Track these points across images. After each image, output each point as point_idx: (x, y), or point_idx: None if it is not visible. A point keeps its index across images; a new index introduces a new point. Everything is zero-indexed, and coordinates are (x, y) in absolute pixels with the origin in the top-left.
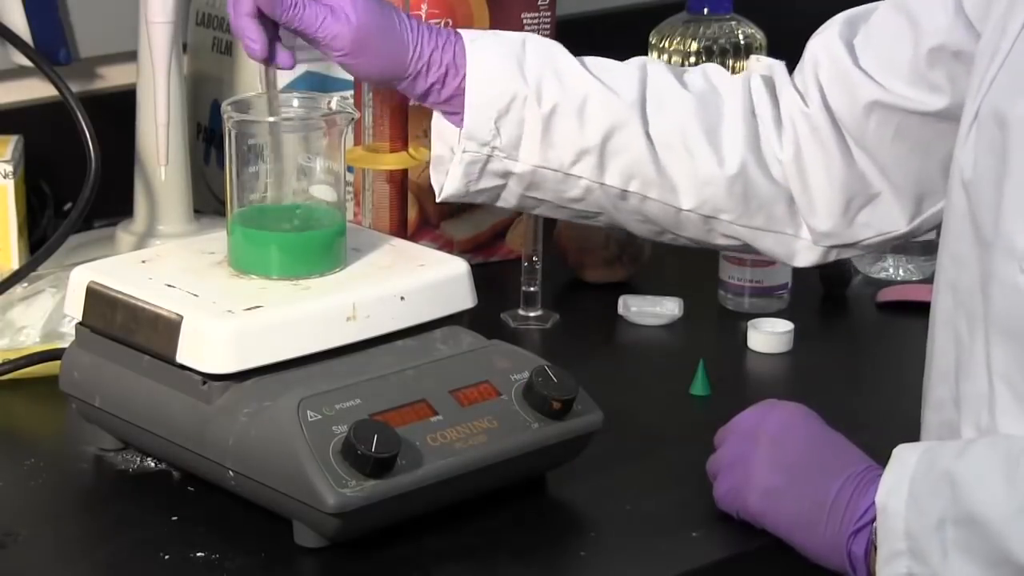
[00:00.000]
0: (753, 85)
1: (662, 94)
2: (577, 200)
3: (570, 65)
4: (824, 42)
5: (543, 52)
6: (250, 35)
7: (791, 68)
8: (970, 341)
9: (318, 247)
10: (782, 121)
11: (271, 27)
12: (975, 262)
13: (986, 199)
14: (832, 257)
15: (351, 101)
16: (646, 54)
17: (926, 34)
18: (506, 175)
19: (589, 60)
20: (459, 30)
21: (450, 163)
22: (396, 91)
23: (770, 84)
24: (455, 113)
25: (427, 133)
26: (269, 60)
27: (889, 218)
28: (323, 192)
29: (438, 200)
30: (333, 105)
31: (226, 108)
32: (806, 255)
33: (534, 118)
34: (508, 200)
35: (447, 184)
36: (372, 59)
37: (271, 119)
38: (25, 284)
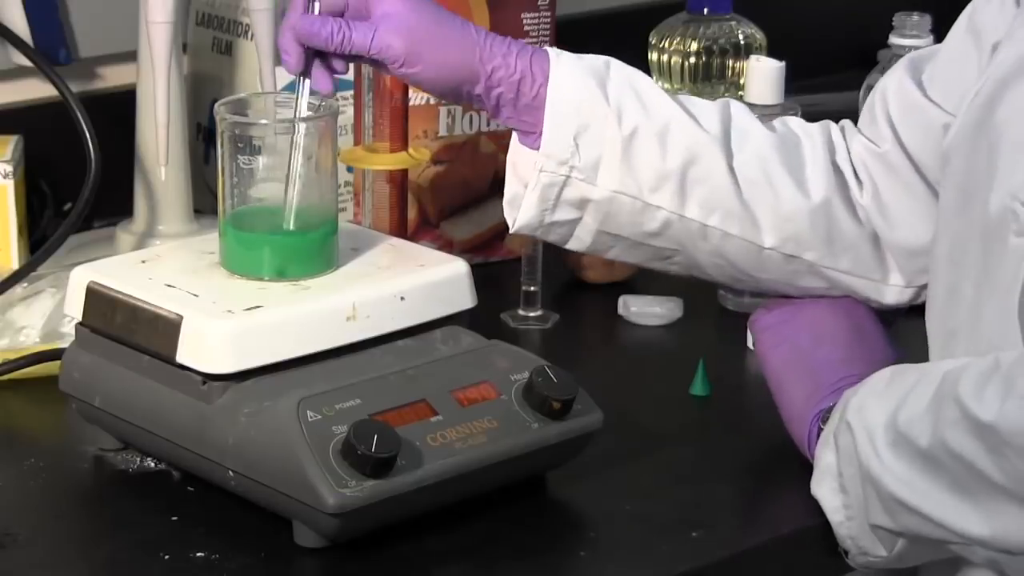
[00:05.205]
0: (834, 135)
1: (746, 129)
2: (655, 234)
3: (653, 91)
4: (892, 81)
5: (626, 75)
6: (286, 48)
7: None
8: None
9: (308, 249)
10: (856, 169)
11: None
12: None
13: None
14: (923, 296)
15: (350, 101)
16: (646, 54)
17: (989, 44)
18: (583, 205)
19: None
20: (544, 48)
21: (523, 199)
22: (398, 91)
23: (843, 134)
24: (531, 133)
25: (427, 133)
26: (305, 75)
27: None
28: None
29: (511, 231)
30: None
31: (218, 109)
32: (896, 297)
33: (614, 139)
34: (582, 239)
35: (521, 214)
36: (435, 62)
37: (263, 121)
38: (25, 284)
